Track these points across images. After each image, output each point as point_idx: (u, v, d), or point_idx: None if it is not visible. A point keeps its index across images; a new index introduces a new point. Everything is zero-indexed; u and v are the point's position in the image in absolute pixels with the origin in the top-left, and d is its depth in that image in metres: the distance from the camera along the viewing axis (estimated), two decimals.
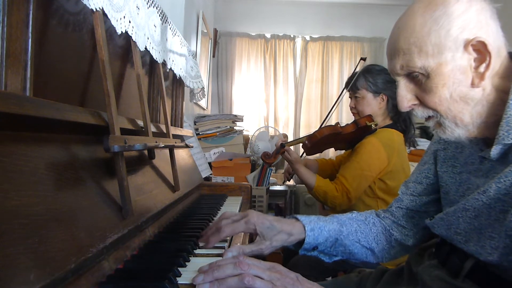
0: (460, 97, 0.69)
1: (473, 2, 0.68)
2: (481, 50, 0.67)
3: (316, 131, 1.73)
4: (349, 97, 1.78)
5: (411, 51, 0.70)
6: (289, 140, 1.95)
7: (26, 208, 0.46)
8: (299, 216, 0.91)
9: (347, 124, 1.70)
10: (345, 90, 1.82)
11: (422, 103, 0.73)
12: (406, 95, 0.74)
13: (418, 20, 0.69)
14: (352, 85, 1.71)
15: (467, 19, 0.67)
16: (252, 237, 0.90)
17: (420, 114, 0.75)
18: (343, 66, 4.50)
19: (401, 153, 1.64)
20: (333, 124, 1.74)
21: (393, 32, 0.74)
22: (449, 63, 0.68)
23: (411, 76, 0.72)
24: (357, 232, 0.94)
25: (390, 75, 1.83)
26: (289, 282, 0.64)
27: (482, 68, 0.67)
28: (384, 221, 0.98)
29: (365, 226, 0.96)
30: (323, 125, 1.85)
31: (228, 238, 0.89)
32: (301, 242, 0.89)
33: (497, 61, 0.68)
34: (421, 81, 0.71)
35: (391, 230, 0.96)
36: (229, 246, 0.87)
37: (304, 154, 1.90)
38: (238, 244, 0.89)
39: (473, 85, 0.68)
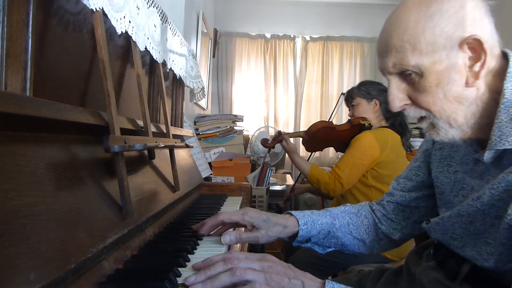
0: (454, 97, 0.66)
1: None
2: (476, 49, 0.65)
3: (311, 125, 1.93)
4: (347, 105, 2.00)
5: (404, 49, 0.66)
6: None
7: (26, 208, 0.46)
8: (293, 212, 0.94)
9: (343, 123, 1.91)
10: (341, 98, 2.08)
11: (415, 103, 0.70)
12: (397, 95, 0.71)
13: (412, 17, 0.66)
14: (348, 96, 1.96)
15: (462, 16, 0.64)
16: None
17: (412, 114, 0.72)
18: (343, 66, 4.50)
19: (395, 147, 1.78)
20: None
21: (385, 28, 0.70)
22: (443, 61, 0.65)
23: (404, 75, 0.69)
24: (349, 224, 0.97)
25: (383, 86, 2.00)
26: (281, 269, 0.64)
27: (477, 67, 0.65)
28: (376, 213, 1.01)
29: (357, 218, 0.99)
30: None
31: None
32: (295, 235, 0.92)
33: (491, 60, 0.66)
34: (414, 80, 0.68)
35: (379, 224, 0.99)
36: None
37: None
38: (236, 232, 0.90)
39: (467, 84, 0.66)
